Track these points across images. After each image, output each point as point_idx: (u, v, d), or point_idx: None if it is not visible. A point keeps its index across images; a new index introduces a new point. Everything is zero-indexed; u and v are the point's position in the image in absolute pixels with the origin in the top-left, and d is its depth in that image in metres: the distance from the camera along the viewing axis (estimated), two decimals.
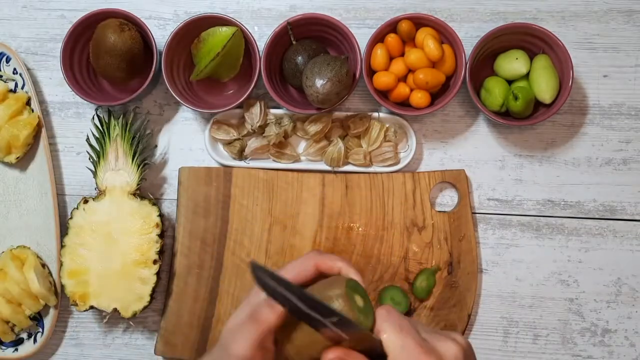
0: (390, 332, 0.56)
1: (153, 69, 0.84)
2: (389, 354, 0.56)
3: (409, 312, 0.84)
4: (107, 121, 0.85)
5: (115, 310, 0.81)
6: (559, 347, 0.86)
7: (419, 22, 0.83)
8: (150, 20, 0.91)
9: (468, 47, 0.84)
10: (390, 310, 0.58)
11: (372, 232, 0.86)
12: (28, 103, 0.88)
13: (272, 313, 0.61)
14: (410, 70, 0.83)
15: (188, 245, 0.86)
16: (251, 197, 0.86)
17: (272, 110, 0.87)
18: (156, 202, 0.85)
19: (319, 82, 0.78)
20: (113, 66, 0.83)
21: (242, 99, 0.84)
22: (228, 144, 0.88)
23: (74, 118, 0.91)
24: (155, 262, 0.82)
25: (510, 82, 0.84)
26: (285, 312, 0.60)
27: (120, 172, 0.84)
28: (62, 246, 0.83)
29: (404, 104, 0.85)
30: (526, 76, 0.84)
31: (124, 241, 0.82)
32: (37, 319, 0.87)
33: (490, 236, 0.88)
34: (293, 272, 0.63)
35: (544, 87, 0.81)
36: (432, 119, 0.89)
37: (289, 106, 0.84)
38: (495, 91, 0.82)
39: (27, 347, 0.87)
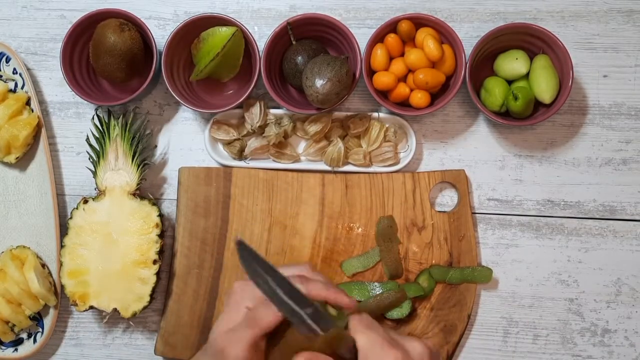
0: (360, 329, 0.60)
1: (153, 69, 0.84)
2: (359, 349, 0.59)
3: (411, 314, 0.84)
4: (107, 121, 0.85)
5: (115, 310, 0.81)
6: (559, 347, 0.86)
7: (418, 22, 0.83)
8: (150, 20, 0.91)
9: (468, 47, 0.84)
10: (362, 314, 0.62)
11: (372, 232, 0.86)
12: (28, 103, 0.88)
13: (270, 315, 0.61)
14: (410, 70, 0.83)
15: (188, 245, 0.86)
16: (251, 197, 0.86)
17: (272, 110, 0.87)
18: (156, 202, 0.85)
19: (318, 82, 0.78)
20: (113, 66, 0.83)
21: (242, 99, 0.84)
22: (228, 144, 0.88)
23: (74, 118, 0.91)
24: (155, 262, 0.82)
25: (510, 82, 0.84)
26: (282, 315, 0.61)
27: (120, 172, 0.84)
28: (62, 246, 0.83)
29: (404, 104, 0.85)
30: (526, 76, 0.84)
31: (123, 241, 0.82)
32: (37, 319, 0.87)
33: (490, 236, 0.88)
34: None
35: (544, 87, 0.81)
36: (432, 119, 0.89)
37: (289, 106, 0.84)
38: (495, 91, 0.82)
39: (27, 347, 0.87)
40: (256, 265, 0.61)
